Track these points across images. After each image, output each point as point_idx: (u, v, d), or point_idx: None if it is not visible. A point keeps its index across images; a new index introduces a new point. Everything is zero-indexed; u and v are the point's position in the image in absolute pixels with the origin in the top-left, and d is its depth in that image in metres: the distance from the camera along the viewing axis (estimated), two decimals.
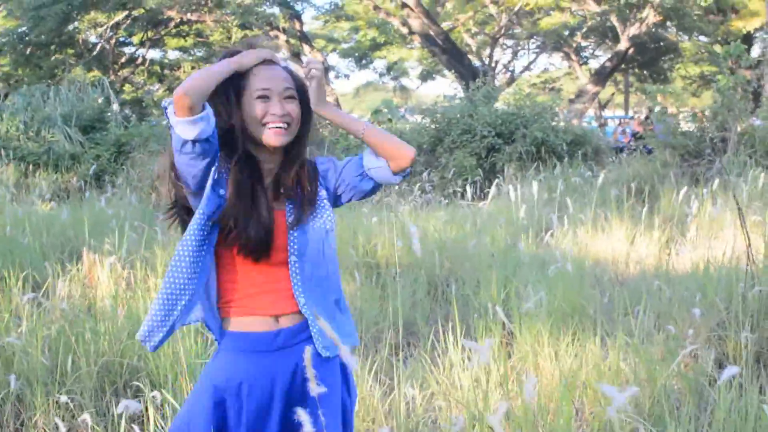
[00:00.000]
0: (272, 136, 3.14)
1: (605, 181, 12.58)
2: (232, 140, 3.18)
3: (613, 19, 37.06)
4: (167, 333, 3.17)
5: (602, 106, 52.06)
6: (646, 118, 32.22)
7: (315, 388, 2.80)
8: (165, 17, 35.48)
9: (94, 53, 34.78)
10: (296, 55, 35.21)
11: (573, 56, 48.28)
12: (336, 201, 3.41)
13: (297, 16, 33.72)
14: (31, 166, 18.18)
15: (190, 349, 5.78)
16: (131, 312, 6.66)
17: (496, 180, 13.71)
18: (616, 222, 10.97)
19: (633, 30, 34.65)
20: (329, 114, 3.28)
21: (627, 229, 10.82)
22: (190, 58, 44.00)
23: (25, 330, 6.10)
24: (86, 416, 4.58)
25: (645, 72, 48.23)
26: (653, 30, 37.45)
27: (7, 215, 11.64)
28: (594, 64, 50.26)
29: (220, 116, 3.10)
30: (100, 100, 22.16)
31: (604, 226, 10.93)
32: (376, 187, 3.38)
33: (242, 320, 3.20)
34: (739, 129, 14.80)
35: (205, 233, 3.10)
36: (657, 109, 17.10)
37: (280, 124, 3.13)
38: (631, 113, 46.42)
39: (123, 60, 39.92)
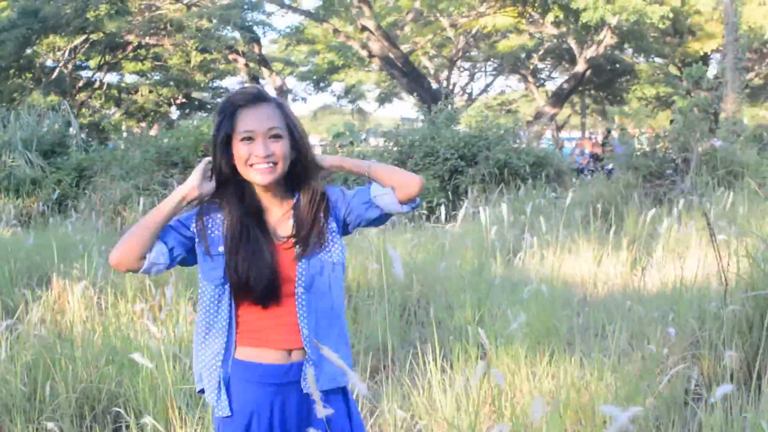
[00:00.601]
0: (257, 175, 3.21)
1: (570, 202, 12.65)
2: (228, 186, 3.30)
3: (571, 42, 37.33)
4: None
5: (559, 128, 52.32)
6: (604, 139, 32.48)
7: (322, 411, 2.93)
8: (123, 41, 35.39)
9: (52, 77, 34.57)
10: (255, 79, 35.22)
11: (530, 78, 48.58)
12: (345, 229, 3.45)
13: (256, 40, 33.71)
14: None
15: (169, 373, 5.76)
16: (107, 337, 6.64)
17: (465, 202, 13.75)
18: (583, 243, 11.02)
19: (590, 52, 34.91)
20: (334, 163, 3.41)
21: (594, 249, 10.87)
22: (148, 81, 43.87)
23: (4, 357, 6.05)
24: None
25: (601, 94, 48.61)
26: (610, 52, 37.76)
27: None
28: (550, 86, 50.64)
29: (217, 162, 3.26)
30: (57, 126, 22.01)
31: (572, 248, 10.97)
32: (383, 216, 3.42)
33: (254, 351, 3.26)
34: (700, 149, 14.91)
35: (219, 293, 3.24)
36: (615, 130, 17.24)
37: (264, 165, 3.20)
38: (587, 134, 46.72)
39: (80, 84, 39.74)
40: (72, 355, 6.22)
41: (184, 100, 44.28)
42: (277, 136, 3.24)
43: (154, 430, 5.11)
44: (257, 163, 3.20)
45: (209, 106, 43.91)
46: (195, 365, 3.34)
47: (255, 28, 31.44)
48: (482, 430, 4.81)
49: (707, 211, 10.86)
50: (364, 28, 32.09)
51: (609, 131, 35.21)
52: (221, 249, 3.23)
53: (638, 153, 15.69)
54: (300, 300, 3.25)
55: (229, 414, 3.24)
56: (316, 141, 31.21)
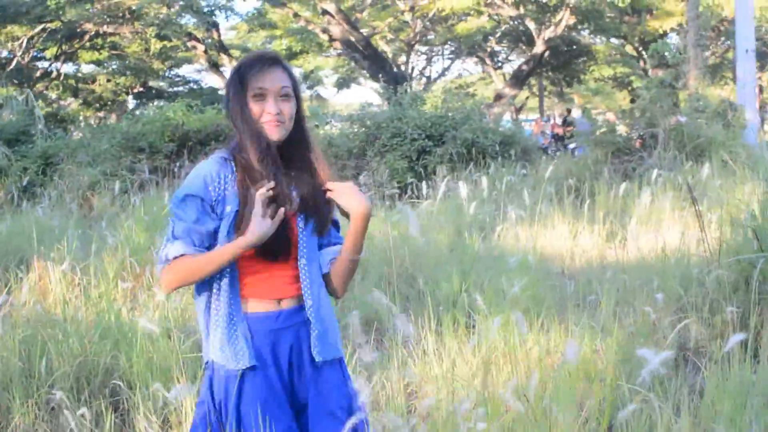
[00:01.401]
0: (266, 130, 3.31)
1: (539, 179, 12.73)
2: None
3: (529, 23, 37.42)
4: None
5: (518, 110, 52.48)
6: (565, 118, 32.65)
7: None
8: (80, 30, 35.15)
9: (10, 68, 34.30)
10: (214, 66, 35.08)
11: (487, 61, 48.68)
12: None
13: (215, 26, 33.57)
14: None
15: (163, 348, 5.78)
16: (101, 313, 6.65)
17: (437, 182, 13.83)
18: (558, 217, 11.10)
19: (548, 33, 35.00)
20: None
21: (569, 223, 10.96)
22: (105, 71, 43.62)
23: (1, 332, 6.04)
24: (68, 414, 4.55)
25: (559, 75, 48.74)
26: (567, 33, 37.87)
27: None
28: (508, 69, 50.76)
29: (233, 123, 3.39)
30: (13, 117, 21.89)
31: (547, 222, 11.05)
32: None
33: (253, 303, 3.38)
34: (667, 125, 15.02)
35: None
36: (576, 109, 17.35)
37: (274, 122, 3.31)
38: (544, 117, 46.88)
39: (37, 74, 39.46)
40: (66, 330, 6.23)
41: (141, 89, 44.10)
42: (286, 96, 3.34)
43: (154, 398, 5.15)
44: (268, 120, 3.30)
45: (166, 95, 43.69)
46: (204, 331, 3.42)
47: (217, 12, 31.22)
48: (486, 389, 4.84)
49: (684, 182, 10.95)
50: (324, 12, 32.06)
51: (569, 110, 35.43)
52: (228, 209, 3.31)
53: (604, 130, 15.79)
54: (304, 270, 3.39)
55: (253, 363, 3.31)
56: None
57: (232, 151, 3.39)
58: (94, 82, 43.05)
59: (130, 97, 44.68)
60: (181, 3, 31.67)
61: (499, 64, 52.34)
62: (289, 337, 3.38)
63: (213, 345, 3.34)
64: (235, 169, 3.34)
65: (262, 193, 3.23)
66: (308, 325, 3.39)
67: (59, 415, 5.34)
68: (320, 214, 3.43)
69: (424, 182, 14.21)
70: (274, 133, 3.31)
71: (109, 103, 43.15)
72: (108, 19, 33.73)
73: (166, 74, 46.19)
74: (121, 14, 33.16)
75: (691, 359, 5.83)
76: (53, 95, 42.35)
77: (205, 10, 31.85)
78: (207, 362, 3.41)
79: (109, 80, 42.68)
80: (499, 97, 36.94)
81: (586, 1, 29.67)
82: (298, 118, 3.42)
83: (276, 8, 35.04)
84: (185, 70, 47.24)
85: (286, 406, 3.36)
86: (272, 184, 3.25)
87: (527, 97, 58.66)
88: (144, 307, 7.05)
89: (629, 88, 45.54)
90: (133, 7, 31.83)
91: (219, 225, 3.31)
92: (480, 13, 37.90)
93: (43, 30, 33.90)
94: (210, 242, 3.31)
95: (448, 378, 5.23)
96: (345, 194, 3.34)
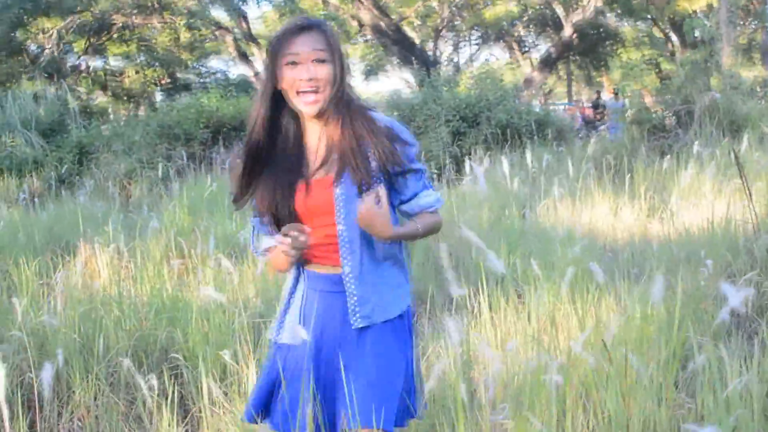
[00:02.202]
0: (303, 105, 3.22)
1: (576, 158, 12.73)
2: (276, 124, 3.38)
3: (557, 7, 37.31)
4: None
5: (546, 96, 52.38)
6: (596, 101, 32.54)
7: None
8: (109, 23, 35.25)
9: (41, 62, 34.40)
10: (243, 56, 35.12)
11: (515, 47, 48.59)
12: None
13: (243, 16, 33.61)
14: None
15: (219, 325, 5.82)
16: (154, 292, 6.70)
17: (487, 154, 13.90)
18: (598, 194, 11.09)
19: (576, 17, 34.89)
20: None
21: (610, 199, 10.95)
22: (133, 63, 43.69)
23: (60, 309, 6.10)
24: (147, 377, 4.57)
25: (586, 60, 48.57)
26: (594, 17, 37.73)
27: None
28: (535, 55, 50.63)
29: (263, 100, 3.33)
30: (45, 109, 22.03)
31: (587, 199, 11.04)
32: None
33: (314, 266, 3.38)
34: (703, 102, 14.97)
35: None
36: (607, 91, 17.28)
37: (308, 89, 3.18)
38: (574, 101, 46.79)
39: (67, 68, 39.55)
40: (121, 306, 6.29)
41: (169, 82, 44.18)
42: (321, 60, 3.19)
43: (221, 368, 5.20)
44: (302, 88, 3.19)
45: (194, 87, 43.72)
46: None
47: (243, 3, 31.24)
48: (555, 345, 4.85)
49: (725, 155, 10.94)
50: None
51: (599, 94, 35.30)
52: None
53: (639, 108, 15.76)
54: (341, 236, 3.28)
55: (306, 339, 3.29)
56: None
57: None
58: (122, 75, 43.11)
59: (159, 90, 44.74)
60: None
61: (527, 50, 52.21)
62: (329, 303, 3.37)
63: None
64: None
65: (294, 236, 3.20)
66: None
67: (118, 390, 5.40)
68: (358, 175, 3.25)
69: (465, 161, 14.15)
70: (309, 105, 3.21)
71: (138, 96, 43.22)
72: (137, 10, 33.84)
73: (195, 66, 46.21)
74: (150, 4, 33.26)
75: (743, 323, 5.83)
76: (82, 89, 42.47)
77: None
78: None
79: (137, 72, 42.74)
80: (528, 82, 36.86)
81: None
82: (341, 85, 3.26)
83: None
84: (213, 62, 47.11)
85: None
86: (306, 235, 3.20)
87: (555, 83, 58.50)
88: (202, 281, 7.08)
89: (657, 70, 45.31)
90: None
91: None
92: None
93: (72, 23, 33.96)
94: None
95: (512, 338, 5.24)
96: (365, 223, 3.21)
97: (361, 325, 3.28)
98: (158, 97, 44.41)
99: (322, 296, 3.34)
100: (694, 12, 35.43)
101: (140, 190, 14.77)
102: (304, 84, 3.17)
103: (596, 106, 31.60)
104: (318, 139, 3.33)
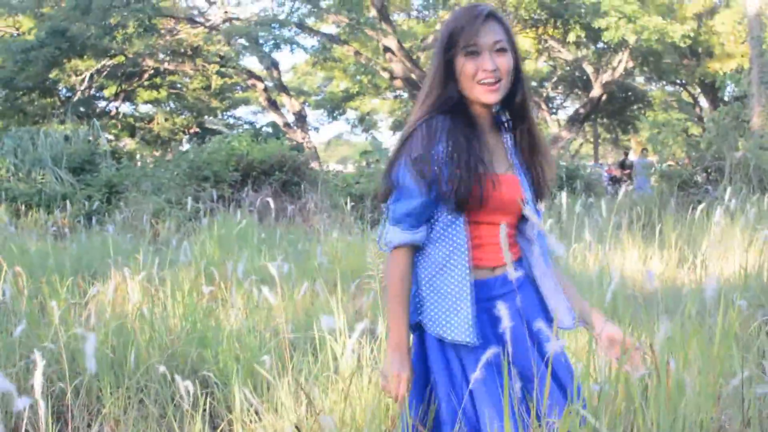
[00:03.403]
0: (483, 93, 3.11)
1: (607, 209, 12.73)
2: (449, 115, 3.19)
3: (587, 67, 37.44)
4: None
5: (572, 157, 52.48)
6: (623, 161, 32.56)
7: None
8: (140, 69, 35.60)
9: (72, 103, 34.69)
10: (273, 104, 35.31)
11: (543, 106, 48.75)
12: None
13: (275, 65, 33.84)
14: (23, 207, 18.12)
15: (250, 345, 5.83)
16: (186, 316, 6.72)
17: None
18: (629, 242, 11.08)
19: (606, 76, 35.02)
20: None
21: (639, 248, 10.94)
22: (163, 110, 43.98)
23: (94, 322, 6.12)
24: (183, 383, 4.56)
25: (613, 122, 48.70)
26: (623, 79, 37.86)
27: (15, 248, 11.60)
28: (562, 115, 50.81)
29: (434, 91, 3.21)
30: (90, 139, 22.24)
31: (617, 248, 11.03)
32: None
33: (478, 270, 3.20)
34: (733, 158, 14.96)
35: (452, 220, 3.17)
36: (633, 155, 17.27)
37: (491, 80, 3.09)
38: (599, 163, 46.86)
39: (97, 112, 39.86)
40: (153, 324, 6.31)
41: (198, 130, 44.45)
42: (502, 50, 3.11)
43: (252, 384, 5.18)
44: (484, 78, 3.09)
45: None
46: (427, 308, 3.24)
47: (282, 45, 31.40)
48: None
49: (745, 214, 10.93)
50: (386, 49, 32.19)
51: (626, 154, 35.36)
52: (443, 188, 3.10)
53: (670, 164, 15.78)
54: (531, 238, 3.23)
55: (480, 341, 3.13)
56: (333, 165, 31.29)
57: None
58: (151, 121, 43.40)
59: (186, 138, 45.00)
60: (242, 41, 31.99)
61: (555, 110, 52.42)
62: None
63: None
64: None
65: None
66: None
67: (147, 405, 5.40)
68: (538, 178, 3.25)
69: None
70: (491, 95, 3.11)
71: (167, 142, 43.45)
72: (170, 56, 34.15)
73: (223, 116, 46.50)
74: (183, 51, 33.56)
75: None
76: (111, 135, 42.78)
77: (269, 44, 32.04)
78: None
79: (166, 119, 43.03)
80: (555, 140, 36.92)
81: (647, 42, 29.60)
82: (517, 75, 3.19)
83: (337, 45, 35.25)
84: (242, 111, 47.45)
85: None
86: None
87: (581, 144, 58.63)
88: (232, 304, 7.09)
89: (686, 134, 45.37)
90: (195, 44, 32.26)
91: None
92: (539, 52, 37.97)
93: (105, 66, 34.27)
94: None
95: None
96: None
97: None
98: (186, 145, 44.72)
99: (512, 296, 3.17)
100: (725, 74, 35.56)
101: (168, 229, 14.80)
102: (487, 75, 3.09)
103: (623, 165, 31.63)
104: (488, 131, 3.25)
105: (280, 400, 4.95)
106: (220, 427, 5.18)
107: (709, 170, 15.39)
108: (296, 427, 3.50)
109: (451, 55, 3.15)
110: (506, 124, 3.31)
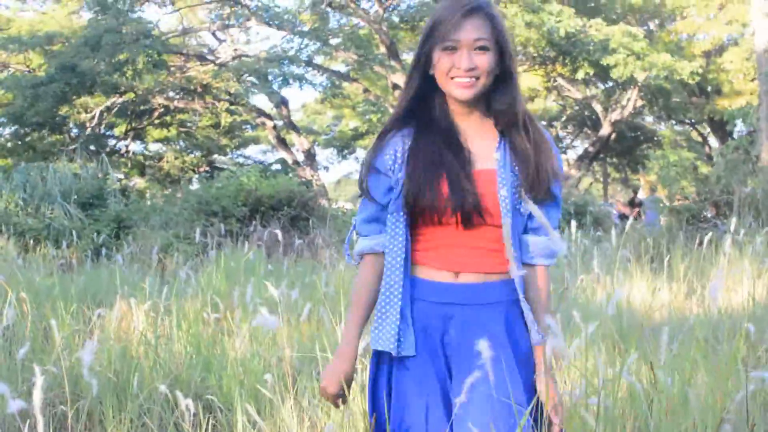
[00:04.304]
0: (455, 89, 3.01)
1: (615, 243, 12.72)
2: (423, 109, 3.14)
3: (596, 105, 37.49)
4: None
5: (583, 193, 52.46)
6: (631, 201, 32.55)
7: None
8: (150, 107, 35.75)
9: (82, 140, 34.77)
10: (282, 142, 35.35)
11: None
12: None
13: (284, 104, 33.91)
14: (31, 242, 18.13)
15: (254, 369, 5.81)
16: (190, 339, 6.71)
17: None
18: (636, 274, 11.07)
19: (615, 115, 35.06)
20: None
21: (648, 280, 10.92)
22: (173, 149, 44.05)
23: (95, 346, 6.09)
24: (185, 401, 4.53)
25: (623, 161, 48.72)
26: (632, 118, 37.91)
27: (22, 281, 11.61)
28: (572, 155, 50.79)
29: (412, 81, 3.13)
30: (99, 175, 22.30)
31: (625, 280, 11.01)
32: None
33: (425, 271, 3.09)
34: (745, 191, 14.94)
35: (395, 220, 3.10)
36: (642, 191, 17.32)
37: (465, 79, 2.99)
38: (610, 202, 46.85)
39: (106, 151, 39.96)
40: (156, 350, 6.30)
41: (207, 168, 44.50)
42: (483, 48, 2.99)
43: (255, 407, 5.15)
44: (458, 75, 2.98)
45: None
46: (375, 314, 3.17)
47: (290, 81, 31.45)
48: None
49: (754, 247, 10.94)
50: (395, 86, 32.23)
51: (636, 192, 35.32)
52: (399, 175, 3.06)
53: (678, 198, 15.78)
54: (507, 228, 2.93)
55: (413, 354, 3.04)
56: (342, 203, 31.30)
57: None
58: (161, 160, 43.46)
59: (196, 177, 45.06)
60: (251, 78, 32.08)
61: (564, 150, 52.43)
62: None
63: None
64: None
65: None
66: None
67: (150, 427, 5.37)
68: (527, 173, 3.03)
69: None
70: (463, 91, 2.99)
71: (176, 180, 43.52)
72: (180, 94, 34.29)
73: (233, 154, 46.56)
74: (192, 88, 33.68)
75: None
76: (121, 174, 42.81)
77: (278, 81, 32.09)
78: None
79: (176, 158, 43.10)
80: (564, 178, 36.89)
81: (655, 79, 29.68)
82: (505, 77, 3.05)
83: (346, 83, 35.34)
84: (251, 151, 47.51)
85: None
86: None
87: (591, 183, 58.63)
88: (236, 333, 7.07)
89: (695, 174, 45.34)
90: (205, 82, 32.40)
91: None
92: (548, 90, 38.03)
93: (115, 103, 34.37)
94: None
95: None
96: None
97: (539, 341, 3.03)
98: (195, 184, 44.79)
99: (456, 308, 3.04)
100: (733, 110, 35.60)
101: (176, 263, 14.80)
102: (461, 73, 2.98)
103: (632, 203, 31.60)
104: (469, 129, 3.11)
105: (283, 421, 4.93)
106: None
107: (718, 205, 15.36)
108: None
109: (429, 47, 3.06)
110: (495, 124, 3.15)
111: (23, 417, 5.06)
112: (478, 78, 2.99)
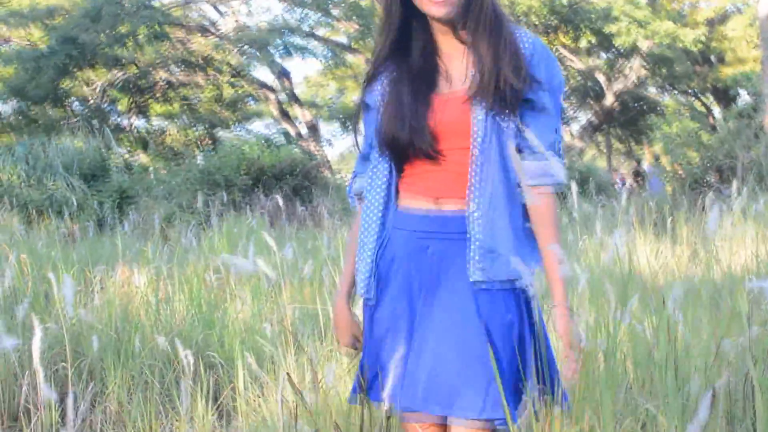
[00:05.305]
0: (431, 6, 2.77)
1: (616, 210, 12.69)
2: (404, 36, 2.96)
3: (599, 76, 37.41)
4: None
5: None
6: (635, 170, 32.51)
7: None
8: (152, 81, 35.66)
9: (84, 115, 34.71)
10: (285, 115, 35.30)
11: None
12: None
13: (287, 76, 33.85)
14: (34, 213, 18.12)
15: (255, 327, 5.80)
16: (192, 297, 6.69)
17: None
18: (639, 238, 11.03)
19: (618, 85, 34.97)
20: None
21: (651, 243, 10.89)
22: (176, 123, 43.96)
23: (97, 304, 6.09)
24: (184, 352, 4.50)
25: (627, 132, 48.60)
26: (636, 86, 37.79)
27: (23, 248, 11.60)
28: (575, 126, 50.68)
29: (392, 7, 2.92)
30: (102, 149, 22.30)
31: (628, 244, 10.98)
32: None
33: (406, 200, 2.95)
34: (748, 157, 14.89)
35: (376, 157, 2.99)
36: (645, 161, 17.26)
37: None
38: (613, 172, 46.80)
39: (110, 127, 39.84)
40: (157, 309, 6.28)
41: (211, 143, 44.38)
42: None
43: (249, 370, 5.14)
44: None
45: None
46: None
47: (292, 51, 31.43)
48: None
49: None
50: None
51: (639, 161, 35.29)
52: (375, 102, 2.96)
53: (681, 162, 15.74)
54: (474, 161, 2.80)
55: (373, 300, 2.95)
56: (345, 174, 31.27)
57: None
58: (164, 135, 43.36)
59: (200, 152, 44.89)
60: (252, 51, 32.02)
61: (568, 121, 52.28)
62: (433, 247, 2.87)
63: None
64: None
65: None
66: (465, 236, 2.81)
67: (152, 387, 5.35)
68: (500, 94, 2.77)
69: None
70: (438, 9, 2.77)
71: (180, 155, 43.40)
72: (182, 68, 34.22)
73: (236, 129, 46.44)
74: (194, 61, 33.61)
75: None
76: (124, 149, 42.70)
77: (280, 51, 32.04)
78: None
79: (179, 132, 43.00)
80: (568, 149, 36.88)
81: (659, 49, 29.60)
82: None
83: (348, 53, 35.27)
84: (255, 126, 47.29)
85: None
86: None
87: (595, 157, 58.52)
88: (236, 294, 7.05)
89: (698, 143, 45.27)
90: (206, 54, 32.32)
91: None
92: None
93: (117, 78, 34.28)
94: None
95: None
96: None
97: (479, 279, 2.77)
98: (199, 159, 44.60)
99: (433, 241, 2.88)
100: (736, 76, 35.53)
101: (179, 232, 14.81)
102: None
103: (636, 174, 31.55)
104: (454, 51, 2.91)
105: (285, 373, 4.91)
106: (222, 396, 5.16)
107: (721, 170, 15.31)
108: (288, 375, 3.42)
109: None
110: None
111: (23, 369, 5.06)
112: None
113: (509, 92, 2.77)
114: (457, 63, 2.91)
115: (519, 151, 2.83)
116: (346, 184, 20.81)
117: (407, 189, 2.96)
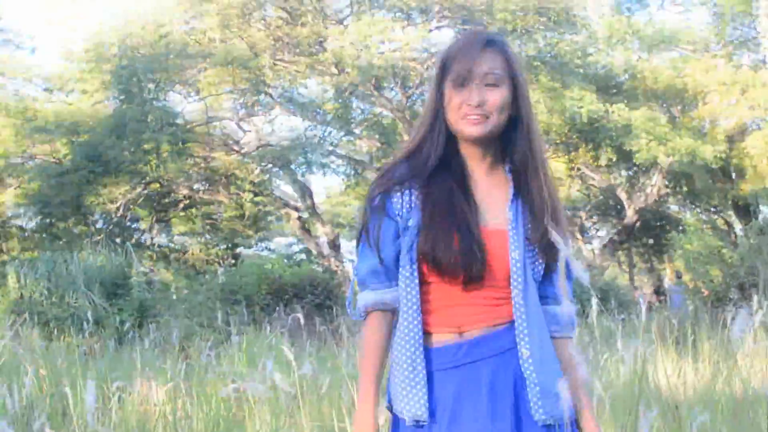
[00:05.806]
0: (465, 125, 2.86)
1: (637, 328, 12.66)
2: (434, 149, 2.95)
3: (620, 193, 37.47)
4: None
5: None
6: (657, 290, 32.40)
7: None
8: (174, 198, 35.87)
9: (106, 231, 34.87)
10: (307, 232, 35.40)
11: (578, 235, 48.66)
12: None
13: (309, 193, 34.05)
14: (55, 330, 18.13)
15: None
16: (210, 414, 6.67)
17: None
18: (660, 355, 10.97)
19: (639, 201, 35.01)
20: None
21: (673, 361, 10.83)
22: (197, 240, 44.07)
23: (115, 419, 6.07)
24: None
25: (649, 250, 48.54)
26: (658, 204, 37.85)
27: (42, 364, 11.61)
28: (596, 244, 50.64)
29: (425, 119, 2.97)
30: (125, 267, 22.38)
31: (650, 360, 10.92)
32: None
33: (432, 335, 2.90)
34: None
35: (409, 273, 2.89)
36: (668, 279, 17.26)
37: (474, 116, 2.84)
38: (636, 290, 46.63)
39: (132, 242, 39.96)
40: (175, 425, 6.25)
41: (232, 261, 44.41)
42: (494, 84, 2.85)
43: None
44: (468, 113, 2.84)
45: None
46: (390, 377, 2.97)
47: (314, 169, 31.71)
48: None
49: None
50: None
51: (661, 279, 35.17)
52: (411, 222, 2.86)
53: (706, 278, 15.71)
54: (519, 310, 2.82)
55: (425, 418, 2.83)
56: None
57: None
58: (186, 252, 43.44)
59: (221, 270, 44.80)
60: (275, 170, 32.27)
61: (589, 240, 52.25)
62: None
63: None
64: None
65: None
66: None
67: None
68: (542, 247, 2.87)
69: None
70: (473, 128, 2.84)
71: (201, 273, 43.41)
72: (204, 185, 34.45)
73: (258, 246, 46.49)
74: (217, 178, 33.84)
75: None
76: (146, 267, 42.74)
77: (302, 167, 32.31)
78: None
79: (201, 250, 43.10)
80: (590, 268, 36.80)
81: (680, 167, 29.67)
82: (519, 112, 2.92)
83: (369, 171, 35.48)
84: (276, 244, 47.34)
85: None
86: None
87: (616, 277, 58.35)
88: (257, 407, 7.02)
89: (721, 261, 45.10)
90: (229, 172, 32.54)
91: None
92: (572, 178, 38.05)
93: (140, 194, 34.47)
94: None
95: None
96: None
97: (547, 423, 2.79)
98: (221, 278, 44.57)
99: (479, 367, 2.84)
100: (757, 192, 35.51)
101: (198, 350, 14.81)
102: (471, 110, 2.84)
103: (657, 292, 31.43)
104: (481, 173, 2.98)
105: None
106: None
107: (743, 287, 15.26)
108: None
109: (441, 83, 2.93)
110: (508, 174, 3.00)
111: None
112: (488, 116, 2.85)
113: (549, 246, 2.83)
114: (489, 192, 2.96)
115: (541, 297, 2.90)
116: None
117: (429, 323, 2.91)
